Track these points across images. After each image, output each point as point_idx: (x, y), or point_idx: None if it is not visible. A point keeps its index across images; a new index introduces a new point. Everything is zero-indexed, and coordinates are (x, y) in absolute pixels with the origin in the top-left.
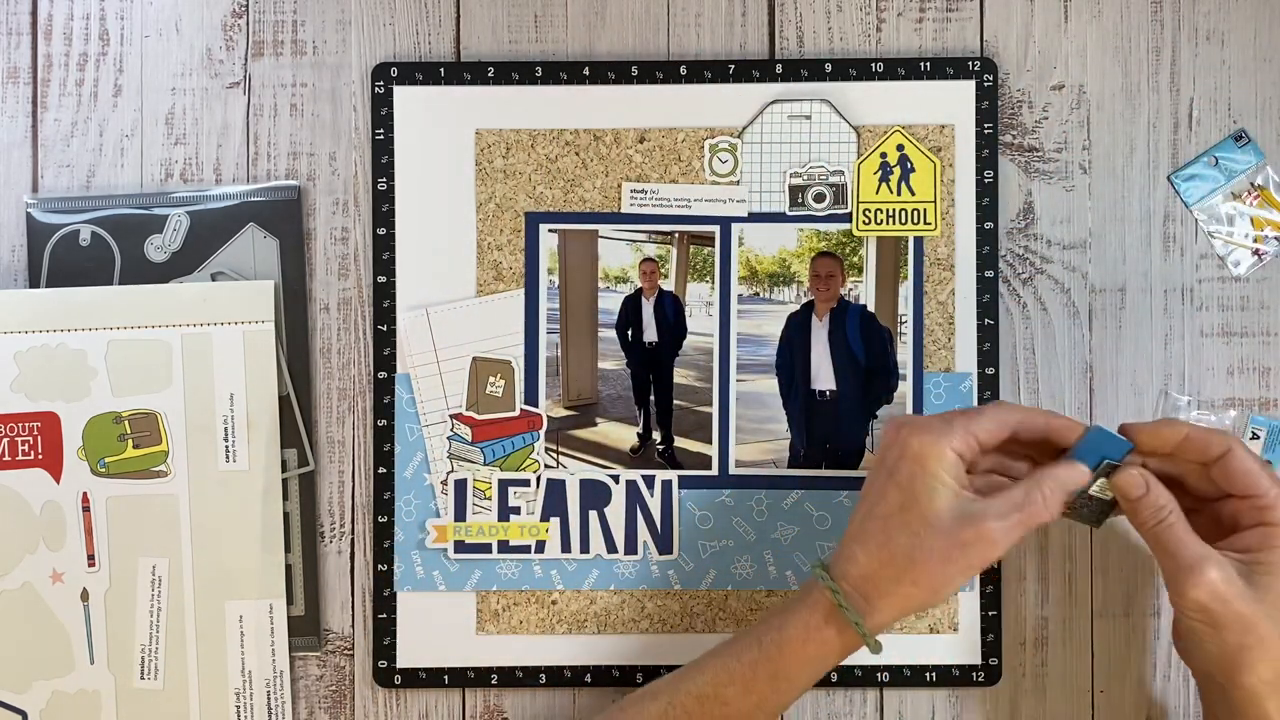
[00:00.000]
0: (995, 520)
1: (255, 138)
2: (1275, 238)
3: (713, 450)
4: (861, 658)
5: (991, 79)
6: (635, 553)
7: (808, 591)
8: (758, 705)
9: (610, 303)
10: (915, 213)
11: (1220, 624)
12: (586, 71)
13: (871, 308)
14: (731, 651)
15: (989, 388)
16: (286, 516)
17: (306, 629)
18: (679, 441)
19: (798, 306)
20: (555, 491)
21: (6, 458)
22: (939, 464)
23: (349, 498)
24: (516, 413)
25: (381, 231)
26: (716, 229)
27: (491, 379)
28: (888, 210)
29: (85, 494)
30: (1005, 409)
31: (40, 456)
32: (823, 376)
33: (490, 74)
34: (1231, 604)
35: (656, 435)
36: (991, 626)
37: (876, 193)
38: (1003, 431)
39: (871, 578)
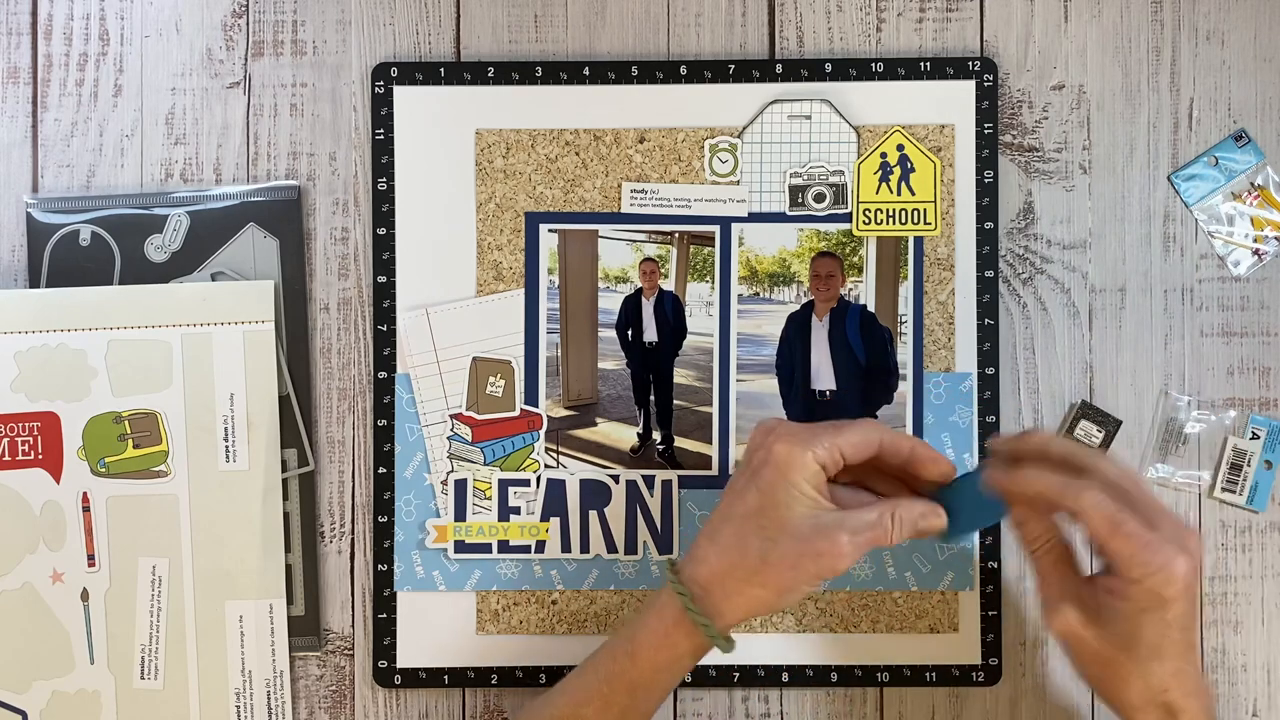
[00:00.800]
0: (848, 535)
1: (255, 138)
2: (1275, 238)
3: (713, 450)
4: (861, 657)
5: (991, 79)
6: (635, 553)
7: (657, 596)
8: (619, 719)
9: (610, 303)
10: (915, 213)
11: (1079, 656)
12: (586, 71)
13: (871, 308)
14: (588, 668)
15: (989, 388)
16: (286, 516)
17: (306, 629)
18: (679, 441)
19: (798, 306)
20: (555, 491)
21: (6, 458)
22: (801, 473)
23: (349, 498)
24: (516, 413)
25: (381, 231)
26: (716, 229)
27: (491, 379)
28: (888, 210)
29: (85, 494)
30: (874, 428)
31: (40, 456)
32: (823, 376)
33: (490, 74)
34: (1087, 642)
35: (656, 435)
36: (991, 626)
37: (876, 193)
38: (868, 449)
39: (721, 578)
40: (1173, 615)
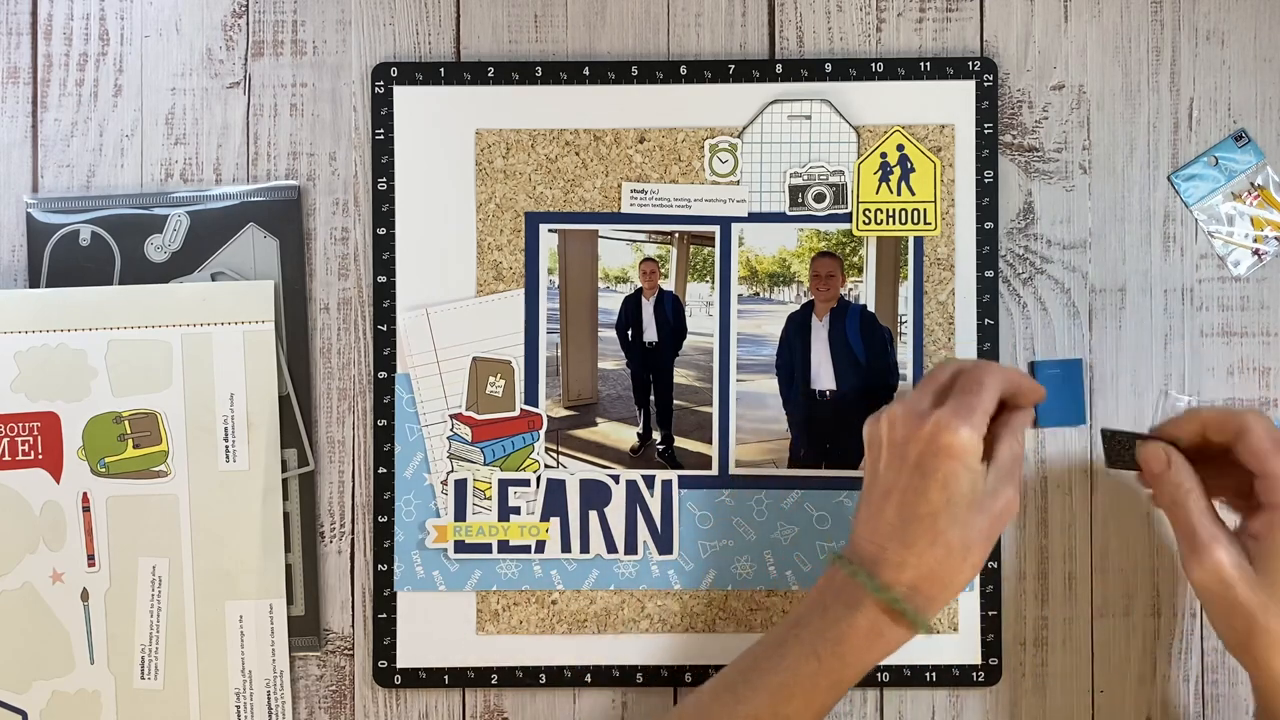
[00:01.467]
0: (1012, 486)
1: (255, 138)
2: (1275, 238)
3: (713, 450)
4: None
5: (991, 79)
6: (635, 553)
7: (852, 600)
8: (818, 715)
9: (610, 303)
10: (915, 213)
11: (1226, 609)
12: (586, 71)
13: (871, 308)
14: (785, 667)
15: None
16: (286, 516)
17: (306, 629)
18: (679, 441)
19: (798, 306)
20: (555, 491)
21: (6, 458)
22: (975, 457)
23: (349, 498)
24: (516, 413)
25: (381, 231)
26: (716, 229)
27: (491, 379)
28: (888, 210)
29: (85, 494)
30: (997, 376)
31: (40, 456)
32: (823, 376)
33: (490, 74)
34: (1235, 589)
35: (656, 435)
36: (991, 626)
37: (876, 193)
38: (994, 404)
39: (929, 577)
40: None
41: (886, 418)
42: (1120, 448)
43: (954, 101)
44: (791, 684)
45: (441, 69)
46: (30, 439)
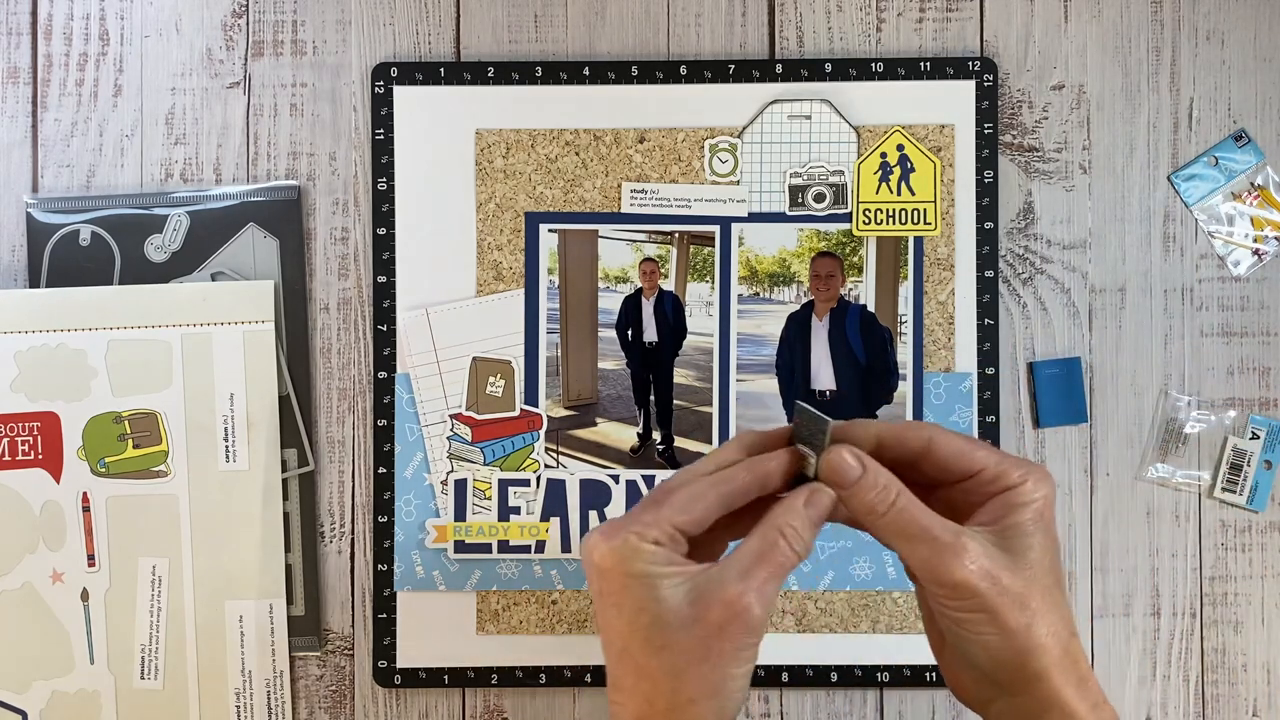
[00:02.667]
0: (737, 584)
1: (255, 138)
2: (1275, 238)
3: (712, 450)
4: (861, 657)
5: (991, 79)
6: None
7: None
8: None
9: (610, 303)
10: (915, 213)
11: (995, 606)
12: (586, 71)
13: (871, 308)
14: None
15: (989, 388)
16: (286, 516)
17: (306, 629)
18: (679, 441)
19: (798, 306)
20: (555, 491)
21: (6, 458)
22: (640, 561)
23: (349, 498)
24: (516, 413)
25: (381, 231)
26: (716, 229)
27: (491, 379)
28: (888, 210)
29: (85, 494)
30: (698, 481)
31: (40, 456)
32: (823, 376)
33: (490, 74)
34: (1001, 579)
35: (656, 435)
36: None
37: (876, 193)
38: (701, 502)
39: None
40: (1055, 532)
41: (583, 544)
42: (809, 431)
43: (954, 101)
44: None
45: (441, 69)
46: (30, 439)
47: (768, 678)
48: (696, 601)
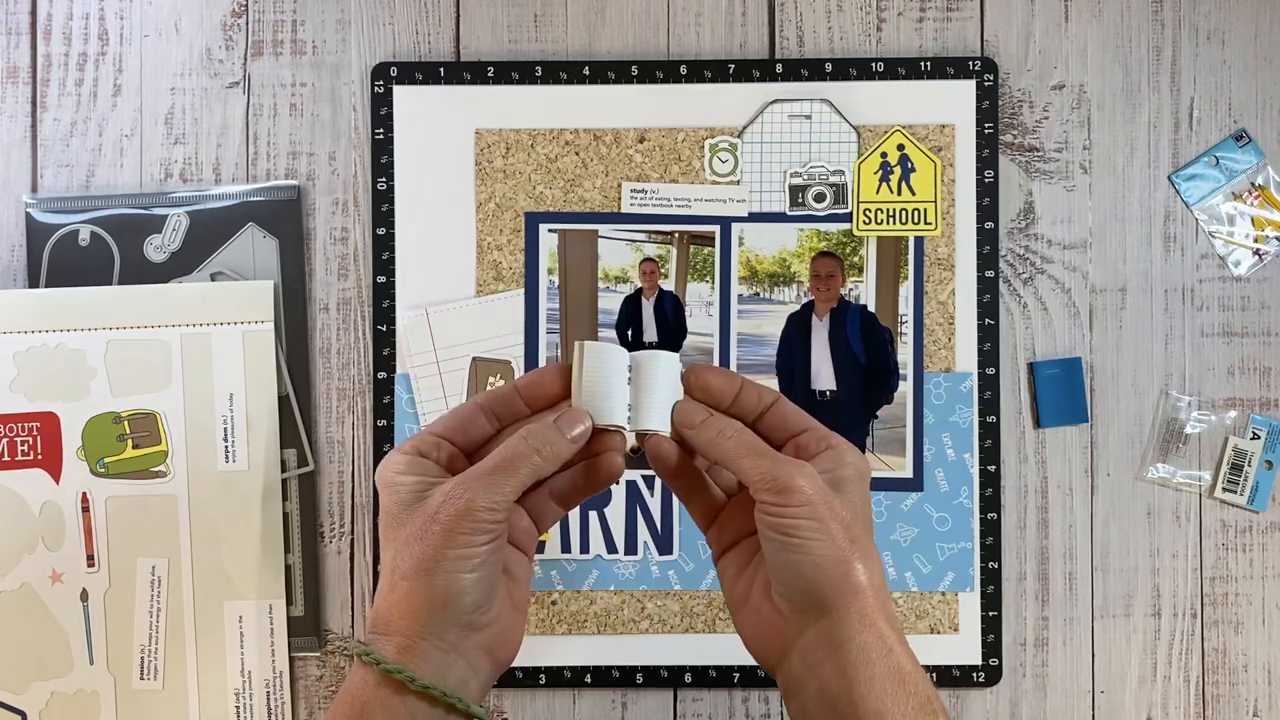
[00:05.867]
0: (456, 479)
1: (255, 137)
2: (1276, 238)
3: None
4: None
5: (992, 79)
6: (635, 553)
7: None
8: None
9: (610, 303)
10: (915, 213)
11: (826, 516)
12: (586, 71)
13: (872, 308)
14: None
15: (989, 388)
16: (286, 516)
17: (306, 629)
18: None
19: (798, 306)
20: None
21: (6, 458)
22: (389, 471)
23: (349, 498)
24: None
25: (381, 231)
26: (716, 229)
27: (491, 379)
28: (888, 210)
29: (85, 494)
30: (469, 402)
31: (40, 457)
32: (823, 376)
33: (490, 74)
34: (831, 502)
35: None
36: (991, 626)
37: (877, 193)
38: (458, 415)
39: (376, 610)
40: (866, 497)
41: None
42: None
43: (954, 101)
44: None
45: (441, 69)
46: (30, 439)
47: (768, 678)
48: (423, 496)
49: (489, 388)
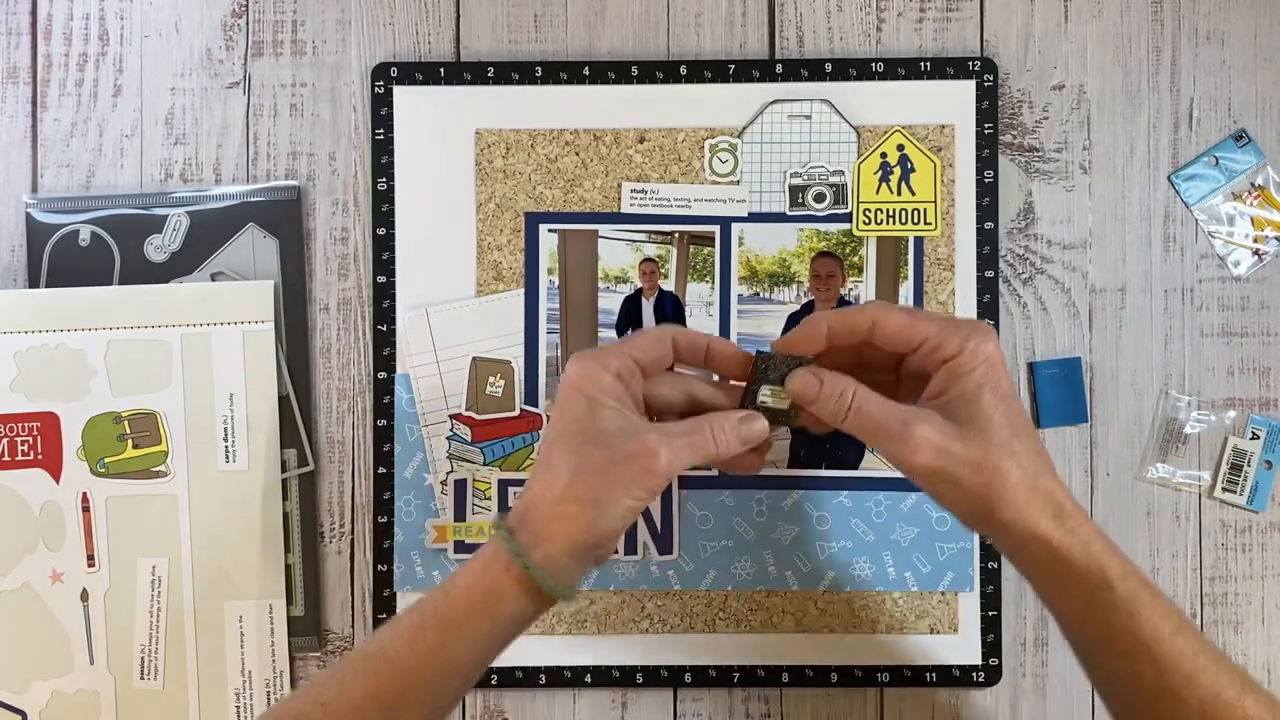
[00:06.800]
0: (657, 435)
1: (255, 138)
2: (1275, 238)
3: None
4: (861, 657)
5: (991, 79)
6: (635, 553)
7: (487, 543)
8: (425, 657)
9: (610, 303)
10: (915, 213)
11: (953, 476)
12: (586, 71)
13: None
14: (413, 606)
15: None
16: (286, 516)
17: (306, 629)
18: None
19: (798, 306)
20: None
21: (6, 458)
22: (594, 386)
23: (349, 498)
24: (516, 413)
25: (381, 231)
26: (716, 229)
27: (491, 379)
28: (888, 210)
29: (85, 494)
30: (665, 330)
31: (40, 456)
32: None
33: (490, 74)
34: (953, 450)
35: None
36: (991, 626)
37: (876, 193)
38: (660, 348)
39: (534, 504)
40: (1004, 385)
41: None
42: (772, 373)
43: (954, 101)
44: (401, 622)
45: (441, 69)
46: (30, 439)
47: (768, 677)
48: (622, 434)
49: (487, 389)
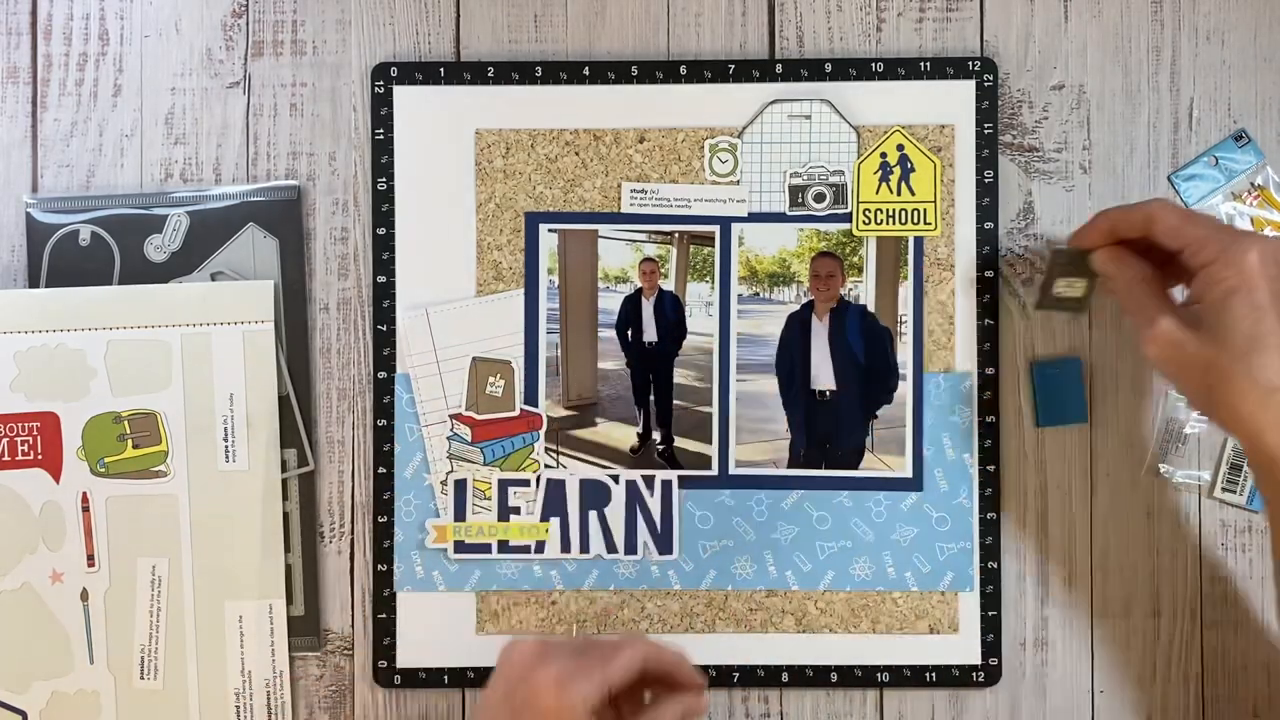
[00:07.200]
0: None
1: (255, 138)
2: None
3: (713, 450)
4: (861, 657)
5: (991, 79)
6: (635, 553)
7: None
8: None
9: (610, 303)
10: (915, 213)
11: (1176, 374)
12: (586, 71)
13: (871, 308)
14: None
15: (989, 388)
16: (286, 516)
17: (306, 629)
18: (679, 441)
19: (798, 306)
20: (555, 491)
21: (6, 458)
22: (583, 709)
23: (349, 498)
24: (516, 413)
25: (381, 231)
26: (716, 229)
27: (491, 379)
28: (888, 210)
29: (85, 494)
30: (639, 648)
31: (40, 456)
32: (823, 376)
33: (490, 74)
34: (1185, 349)
35: (656, 435)
36: (991, 626)
37: (876, 193)
38: (632, 674)
39: None
40: (1261, 297)
41: (515, 649)
42: (1067, 266)
43: (954, 101)
44: None
45: (441, 69)
46: (30, 439)
47: (768, 677)
48: None
49: (487, 389)
